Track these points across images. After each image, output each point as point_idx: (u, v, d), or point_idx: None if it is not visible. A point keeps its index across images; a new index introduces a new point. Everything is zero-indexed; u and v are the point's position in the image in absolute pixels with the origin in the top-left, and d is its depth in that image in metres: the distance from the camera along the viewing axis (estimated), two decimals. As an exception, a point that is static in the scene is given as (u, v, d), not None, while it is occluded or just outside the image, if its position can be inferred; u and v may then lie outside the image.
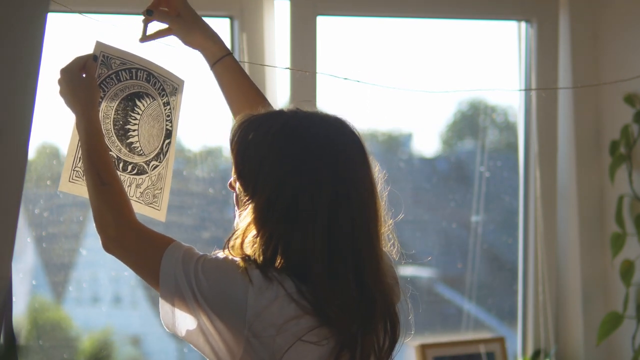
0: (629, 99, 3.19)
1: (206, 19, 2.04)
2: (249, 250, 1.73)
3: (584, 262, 3.34)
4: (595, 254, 3.36)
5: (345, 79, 2.38)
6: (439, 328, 3.38)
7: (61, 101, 1.92)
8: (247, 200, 1.74)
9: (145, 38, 2.02)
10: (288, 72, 2.96)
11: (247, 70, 2.85)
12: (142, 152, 2.02)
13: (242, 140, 1.76)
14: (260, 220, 1.71)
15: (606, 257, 3.34)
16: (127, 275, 2.99)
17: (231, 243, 1.74)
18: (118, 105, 1.99)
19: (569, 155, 3.35)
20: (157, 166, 2.04)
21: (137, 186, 2.02)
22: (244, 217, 1.75)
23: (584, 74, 3.32)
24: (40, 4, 1.57)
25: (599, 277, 3.36)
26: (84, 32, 2.72)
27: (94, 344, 2.96)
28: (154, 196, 2.05)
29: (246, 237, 1.73)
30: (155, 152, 2.04)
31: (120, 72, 1.99)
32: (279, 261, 1.70)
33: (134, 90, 2.01)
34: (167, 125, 2.05)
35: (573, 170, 3.34)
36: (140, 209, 2.03)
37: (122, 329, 3.01)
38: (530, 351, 3.39)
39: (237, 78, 2.01)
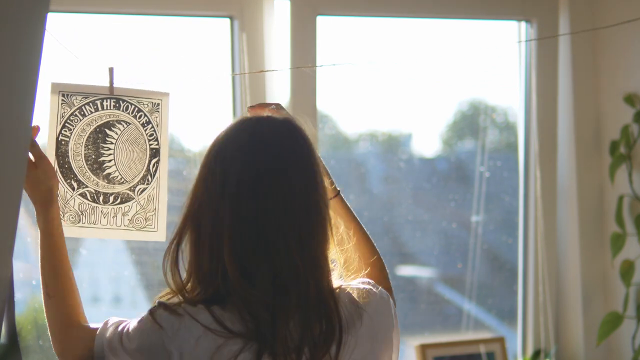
0: (629, 99, 3.19)
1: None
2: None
3: (584, 262, 3.34)
4: (595, 254, 3.35)
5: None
6: (439, 328, 3.38)
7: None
8: None
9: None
10: (288, 72, 2.96)
11: (246, 70, 2.87)
12: (122, 180, 2.00)
13: None
14: (190, 244, 1.74)
15: (606, 257, 3.33)
16: (127, 275, 2.99)
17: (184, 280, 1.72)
18: (87, 140, 1.97)
19: (569, 155, 3.35)
20: (144, 189, 2.02)
21: (124, 214, 2.01)
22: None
23: (584, 74, 3.32)
24: (40, 4, 1.57)
25: (599, 277, 3.36)
26: (85, 32, 2.72)
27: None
28: (146, 219, 2.02)
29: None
30: (140, 175, 2.01)
31: (83, 107, 1.97)
32: (197, 290, 1.69)
33: (102, 122, 1.98)
34: (151, 144, 2.01)
35: (573, 170, 3.33)
36: (131, 236, 2.02)
37: (122, 329, 3.00)
38: (530, 351, 3.39)
39: (343, 217, 1.91)
